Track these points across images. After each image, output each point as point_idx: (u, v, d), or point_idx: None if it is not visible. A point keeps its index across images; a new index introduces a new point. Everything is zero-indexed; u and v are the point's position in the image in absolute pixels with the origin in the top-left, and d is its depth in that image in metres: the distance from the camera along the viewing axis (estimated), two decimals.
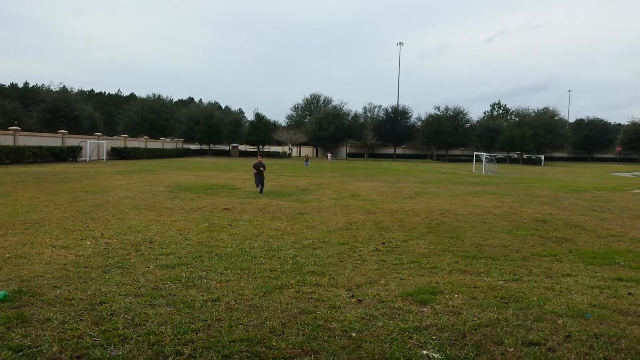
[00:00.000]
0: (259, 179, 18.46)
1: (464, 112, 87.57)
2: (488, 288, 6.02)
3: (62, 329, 4.42)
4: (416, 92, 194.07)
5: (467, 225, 11.10)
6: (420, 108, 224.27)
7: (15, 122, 56.49)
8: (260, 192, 18.00)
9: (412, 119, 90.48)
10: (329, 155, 70.40)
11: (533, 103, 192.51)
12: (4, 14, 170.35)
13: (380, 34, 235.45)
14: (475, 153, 50.78)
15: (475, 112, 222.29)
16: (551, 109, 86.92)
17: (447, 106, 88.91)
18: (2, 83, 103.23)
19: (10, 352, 3.92)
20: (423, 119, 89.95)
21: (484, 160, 44.02)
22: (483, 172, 41.00)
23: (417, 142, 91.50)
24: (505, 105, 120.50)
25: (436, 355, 4.01)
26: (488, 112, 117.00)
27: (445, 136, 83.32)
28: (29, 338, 4.20)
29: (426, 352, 4.08)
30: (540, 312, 5.13)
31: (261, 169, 18.51)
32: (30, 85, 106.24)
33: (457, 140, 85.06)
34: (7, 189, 16.96)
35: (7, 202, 13.34)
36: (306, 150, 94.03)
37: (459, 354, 4.08)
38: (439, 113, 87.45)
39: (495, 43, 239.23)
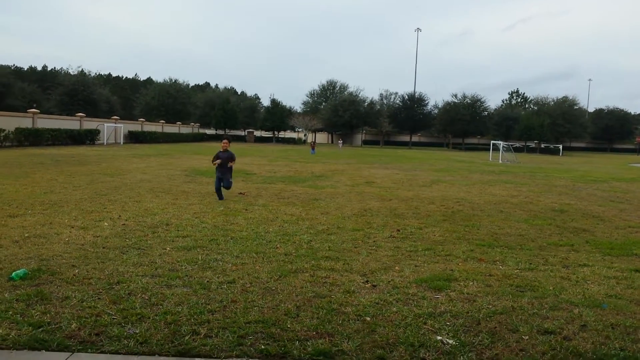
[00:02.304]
0: (224, 175, 11.89)
1: (482, 100, 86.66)
2: (503, 276, 5.99)
3: (80, 307, 4.50)
4: (434, 80, 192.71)
5: (483, 214, 11.03)
6: (437, 96, 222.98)
7: (34, 105, 57.14)
8: (220, 197, 11.81)
9: (429, 107, 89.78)
10: (340, 142, 69.01)
11: (553, 92, 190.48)
12: None
13: (398, 20, 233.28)
14: (492, 142, 50.27)
15: (494, 100, 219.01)
16: (570, 98, 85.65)
17: (464, 94, 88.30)
18: (21, 66, 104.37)
19: (30, 328, 4.00)
20: (440, 106, 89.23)
21: (501, 149, 43.59)
22: (500, 161, 40.61)
23: (434, 130, 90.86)
24: (524, 93, 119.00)
25: (450, 341, 4.01)
26: (506, 100, 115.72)
27: (462, 124, 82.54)
28: (48, 315, 4.28)
29: (440, 337, 4.08)
30: (555, 301, 5.09)
31: (230, 163, 12.01)
32: (49, 69, 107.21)
33: (474, 128, 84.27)
34: (26, 171, 17.21)
35: (27, 183, 13.54)
36: (320, 137, 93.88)
37: (474, 341, 4.07)
38: (456, 101, 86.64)
39: (517, 30, 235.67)
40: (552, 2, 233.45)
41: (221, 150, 12.12)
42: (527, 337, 4.17)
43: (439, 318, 4.53)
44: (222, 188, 11.93)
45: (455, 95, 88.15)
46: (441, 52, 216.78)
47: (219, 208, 10.48)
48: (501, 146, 44.05)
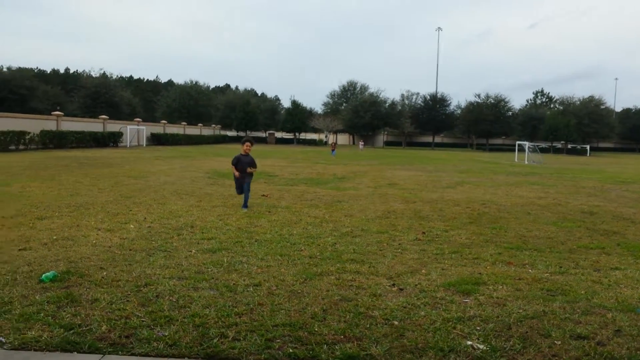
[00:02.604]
0: (244, 181, 10.78)
1: (506, 99, 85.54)
2: (533, 280, 5.88)
3: (110, 309, 4.54)
4: (456, 80, 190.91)
5: (510, 216, 10.86)
6: (460, 96, 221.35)
7: (58, 108, 58.17)
8: (244, 205, 10.73)
9: (452, 107, 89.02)
10: (361, 143, 66.90)
11: (578, 91, 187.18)
12: (44, 0, 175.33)
13: (419, 20, 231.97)
14: (517, 142, 49.60)
15: (518, 100, 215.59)
16: (597, 97, 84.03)
17: (487, 94, 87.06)
18: (44, 69, 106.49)
19: (62, 330, 4.05)
20: (463, 106, 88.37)
21: (526, 150, 42.97)
22: (526, 162, 40.03)
23: (457, 130, 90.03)
24: (549, 93, 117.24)
25: (481, 346, 3.94)
26: (531, 100, 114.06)
27: (485, 124, 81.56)
28: (78, 317, 4.33)
29: (471, 342, 4.01)
30: (588, 306, 4.98)
31: (249, 168, 10.75)
32: (71, 71, 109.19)
33: (498, 128, 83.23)
34: (52, 173, 17.52)
35: (53, 186, 13.78)
36: (342, 139, 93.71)
37: (505, 346, 4.00)
38: (479, 101, 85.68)
39: (539, 29, 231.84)
40: (573, 1, 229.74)
41: (242, 153, 10.85)
42: (559, 342, 4.07)
43: (468, 322, 4.46)
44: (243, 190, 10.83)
45: (479, 95, 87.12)
46: (463, 52, 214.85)
47: (242, 210, 10.51)
48: (527, 147, 43.41)
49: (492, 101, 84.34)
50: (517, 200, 13.90)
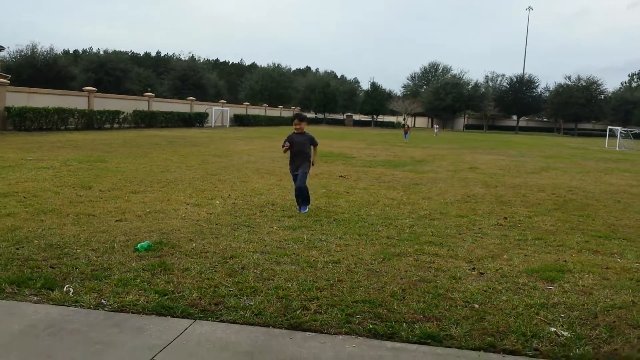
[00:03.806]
0: (299, 167, 8.51)
1: (598, 82, 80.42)
2: (622, 270, 5.60)
3: (199, 278, 4.83)
4: (546, 61, 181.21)
5: (598, 204, 10.32)
6: (548, 78, 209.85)
7: (149, 89, 61.31)
8: (302, 208, 8.36)
9: (539, 89, 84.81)
10: (436, 127, 59.99)
11: None
12: None
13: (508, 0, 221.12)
14: (608, 127, 46.58)
15: (611, 83, 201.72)
16: None
17: (579, 76, 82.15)
18: (138, 52, 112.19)
19: (156, 295, 4.36)
20: (551, 89, 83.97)
21: (618, 135, 40.28)
22: (617, 148, 37.57)
23: (543, 114, 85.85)
24: None
25: (565, 333, 3.84)
26: (626, 83, 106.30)
27: (575, 108, 77.18)
28: (171, 284, 4.64)
29: (554, 329, 3.92)
30: None
31: (305, 149, 8.54)
32: (162, 55, 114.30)
33: (588, 113, 78.53)
34: (144, 151, 18.58)
35: (145, 163, 14.63)
36: (420, 122, 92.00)
37: (590, 334, 3.87)
38: (569, 83, 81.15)
39: (639, 8, 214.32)
40: None
41: (295, 131, 8.55)
42: None
43: (552, 309, 4.35)
44: (300, 190, 8.36)
45: (569, 78, 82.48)
46: (555, 32, 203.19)
47: (321, 190, 10.70)
48: (619, 132, 40.66)
49: (584, 84, 79.60)
50: (606, 187, 13.14)
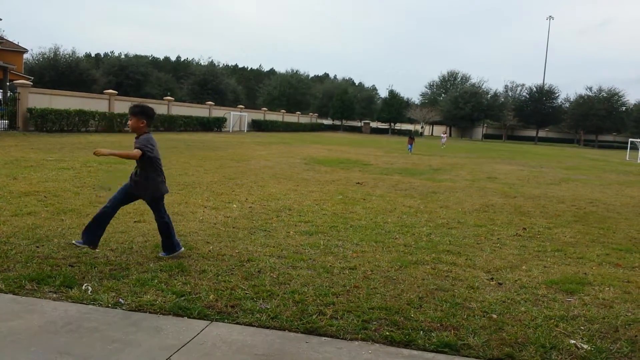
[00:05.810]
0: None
1: (620, 93, 79.23)
2: None
3: (216, 280, 4.85)
4: (567, 71, 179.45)
5: (619, 217, 10.15)
6: (569, 88, 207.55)
7: (169, 93, 61.94)
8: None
9: (559, 100, 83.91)
10: (444, 136, 48.13)
11: None
12: None
13: (530, 8, 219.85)
14: (630, 139, 45.86)
15: (634, 95, 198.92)
16: None
17: (600, 87, 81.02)
18: (158, 56, 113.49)
19: (174, 296, 4.38)
20: (572, 100, 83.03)
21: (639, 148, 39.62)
22: (639, 161, 36.95)
23: (563, 125, 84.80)
24: None
25: (585, 346, 3.77)
26: None
27: (596, 119, 76.13)
28: (188, 285, 4.66)
29: (574, 341, 3.85)
30: None
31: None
32: (182, 59, 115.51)
33: (609, 124, 77.37)
34: (163, 154, 18.49)
35: (163, 166, 14.69)
36: (438, 130, 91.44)
37: (611, 348, 3.80)
38: (590, 94, 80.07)
39: None
40: None
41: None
42: None
43: (572, 321, 4.28)
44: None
45: (590, 89, 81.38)
46: (577, 42, 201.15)
47: (338, 196, 10.68)
48: None
49: (605, 95, 78.53)
50: (628, 200, 12.93)
